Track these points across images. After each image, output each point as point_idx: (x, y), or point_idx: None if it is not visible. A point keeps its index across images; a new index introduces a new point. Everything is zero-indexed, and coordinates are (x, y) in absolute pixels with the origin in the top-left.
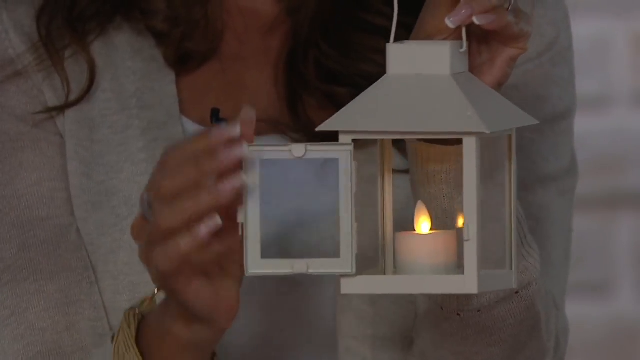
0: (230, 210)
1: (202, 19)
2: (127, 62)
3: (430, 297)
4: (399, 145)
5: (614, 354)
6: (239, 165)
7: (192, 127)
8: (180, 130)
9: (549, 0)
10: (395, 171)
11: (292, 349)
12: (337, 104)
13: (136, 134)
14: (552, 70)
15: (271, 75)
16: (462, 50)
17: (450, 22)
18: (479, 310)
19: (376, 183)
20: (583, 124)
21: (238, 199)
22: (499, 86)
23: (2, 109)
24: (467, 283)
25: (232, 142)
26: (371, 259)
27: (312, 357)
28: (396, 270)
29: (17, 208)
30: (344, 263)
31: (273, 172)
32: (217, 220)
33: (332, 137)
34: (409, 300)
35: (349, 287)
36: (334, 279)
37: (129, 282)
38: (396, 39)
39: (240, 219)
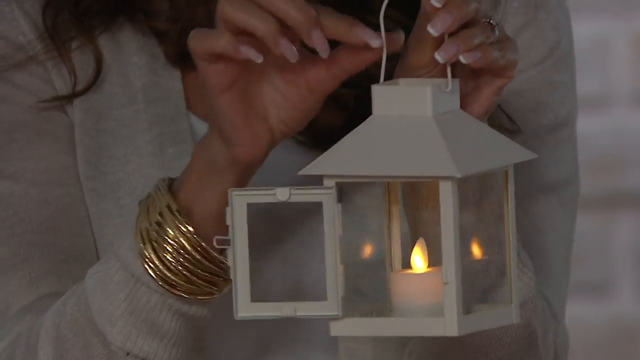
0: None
1: (206, 18)
2: (132, 57)
3: None
4: None
5: (614, 354)
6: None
7: (197, 122)
8: (187, 125)
9: (550, 3)
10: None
11: (292, 350)
12: (340, 106)
13: (143, 127)
14: (554, 76)
15: None
16: (447, 90)
17: (439, 58)
18: None
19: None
20: (583, 124)
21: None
22: (485, 114)
23: (17, 88)
24: (447, 326)
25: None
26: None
27: (312, 357)
28: (392, 309)
29: (36, 170)
30: (330, 306)
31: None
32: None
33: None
34: None
35: (337, 329)
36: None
37: None
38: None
39: (229, 262)
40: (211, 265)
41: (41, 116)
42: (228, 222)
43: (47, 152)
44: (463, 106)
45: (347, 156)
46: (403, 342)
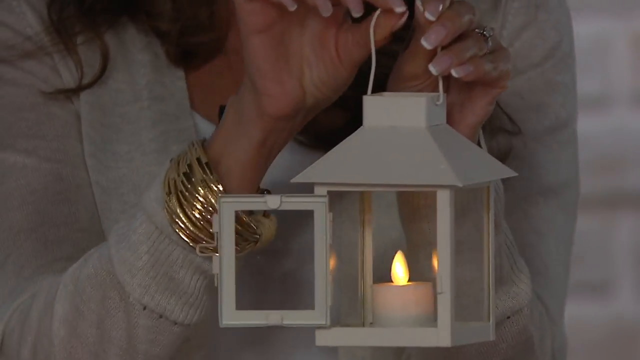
0: None
1: (208, 18)
2: (137, 55)
3: None
4: None
5: (614, 354)
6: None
7: (201, 122)
8: (191, 124)
9: (551, 3)
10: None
11: (292, 350)
12: (342, 105)
13: (147, 124)
14: (555, 77)
15: None
16: (438, 103)
17: (433, 70)
18: None
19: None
20: (583, 124)
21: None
22: (480, 123)
23: (27, 73)
24: (440, 336)
25: None
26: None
27: (312, 357)
28: (373, 321)
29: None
30: (318, 315)
31: None
32: None
33: (337, 141)
34: None
35: (323, 339)
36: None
37: None
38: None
39: (215, 269)
40: (236, 225)
41: (51, 101)
42: (215, 229)
43: (57, 134)
44: (458, 116)
45: (339, 165)
46: None
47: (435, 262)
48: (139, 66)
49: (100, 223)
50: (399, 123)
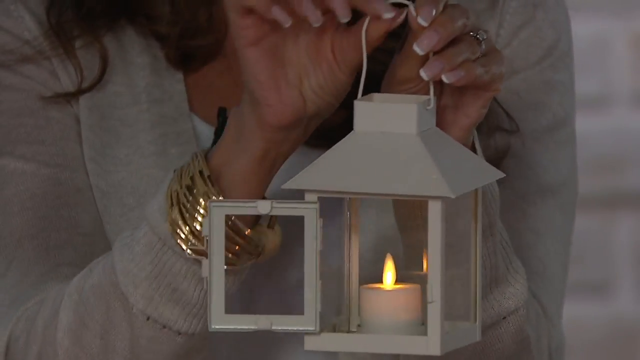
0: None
1: (207, 20)
2: (136, 58)
3: None
4: None
5: (614, 354)
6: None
7: (200, 124)
8: (190, 126)
9: (549, 2)
10: None
11: (292, 350)
12: (342, 103)
13: (146, 127)
14: (552, 76)
15: None
16: (429, 108)
17: (424, 75)
18: None
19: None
20: (583, 124)
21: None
22: (474, 126)
23: (26, 78)
24: (430, 345)
25: None
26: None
27: (313, 359)
28: (362, 325)
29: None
30: (307, 320)
31: None
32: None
33: (338, 139)
34: None
35: (312, 344)
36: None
37: None
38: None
39: (204, 273)
40: (237, 238)
41: (49, 105)
42: (205, 233)
43: (56, 138)
44: (451, 118)
45: (330, 171)
46: None
47: (426, 267)
48: (137, 69)
49: (102, 226)
50: (390, 129)
